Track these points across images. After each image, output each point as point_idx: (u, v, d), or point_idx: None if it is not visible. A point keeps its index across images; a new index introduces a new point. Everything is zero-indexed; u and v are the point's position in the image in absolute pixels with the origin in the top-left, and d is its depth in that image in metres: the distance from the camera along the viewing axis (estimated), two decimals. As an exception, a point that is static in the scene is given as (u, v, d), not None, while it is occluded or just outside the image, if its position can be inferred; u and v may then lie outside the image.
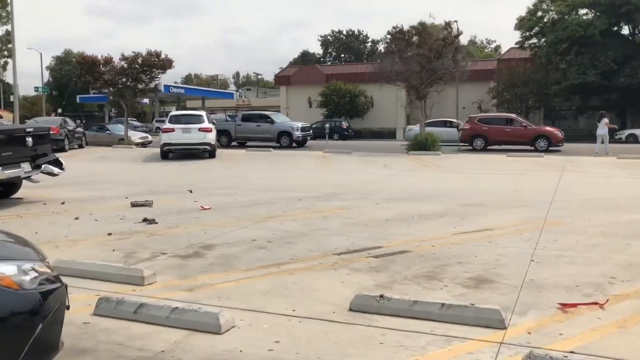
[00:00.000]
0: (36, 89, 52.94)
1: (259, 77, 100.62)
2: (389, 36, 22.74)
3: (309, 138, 29.44)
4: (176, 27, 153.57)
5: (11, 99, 36.27)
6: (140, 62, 27.56)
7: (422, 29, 21.52)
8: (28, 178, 10.58)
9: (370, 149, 25.12)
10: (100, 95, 55.50)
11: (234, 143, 28.88)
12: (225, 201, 10.63)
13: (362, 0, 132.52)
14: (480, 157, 20.88)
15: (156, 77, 28.34)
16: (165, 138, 19.98)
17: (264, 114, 30.37)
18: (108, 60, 28.00)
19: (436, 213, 9.10)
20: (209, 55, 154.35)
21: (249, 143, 28.68)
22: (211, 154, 20.55)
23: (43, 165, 10.56)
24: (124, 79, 27.96)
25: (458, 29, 22.64)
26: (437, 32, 22.42)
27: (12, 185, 10.93)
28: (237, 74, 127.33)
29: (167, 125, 20.23)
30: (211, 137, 20.23)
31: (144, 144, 30.16)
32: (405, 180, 14.46)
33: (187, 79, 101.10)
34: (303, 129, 28.66)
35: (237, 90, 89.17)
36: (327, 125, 32.89)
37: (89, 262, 5.69)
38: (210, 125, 20.82)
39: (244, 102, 72.28)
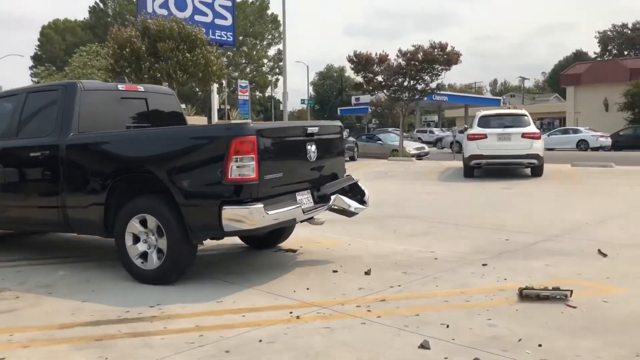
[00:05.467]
0: (302, 101, 53.73)
1: (525, 80, 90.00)
2: None
3: None
4: (427, 39, 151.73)
5: (280, 108, 35.26)
6: (420, 57, 22.71)
7: None
8: (309, 220, 5.62)
9: None
10: (360, 107, 54.23)
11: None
12: None
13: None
14: None
15: (439, 75, 23.17)
16: (472, 147, 14.00)
17: None
18: (383, 59, 23.69)
19: None
20: (460, 65, 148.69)
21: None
22: (536, 171, 14.13)
23: (332, 197, 5.52)
24: (401, 79, 23.46)
25: None
26: None
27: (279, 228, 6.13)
28: (495, 81, 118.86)
29: (476, 129, 14.17)
30: (538, 146, 13.73)
31: (420, 156, 25.30)
32: None
33: (440, 89, 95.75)
34: None
35: (502, 97, 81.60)
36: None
37: None
38: (537, 131, 14.34)
39: (508, 108, 64.30)
